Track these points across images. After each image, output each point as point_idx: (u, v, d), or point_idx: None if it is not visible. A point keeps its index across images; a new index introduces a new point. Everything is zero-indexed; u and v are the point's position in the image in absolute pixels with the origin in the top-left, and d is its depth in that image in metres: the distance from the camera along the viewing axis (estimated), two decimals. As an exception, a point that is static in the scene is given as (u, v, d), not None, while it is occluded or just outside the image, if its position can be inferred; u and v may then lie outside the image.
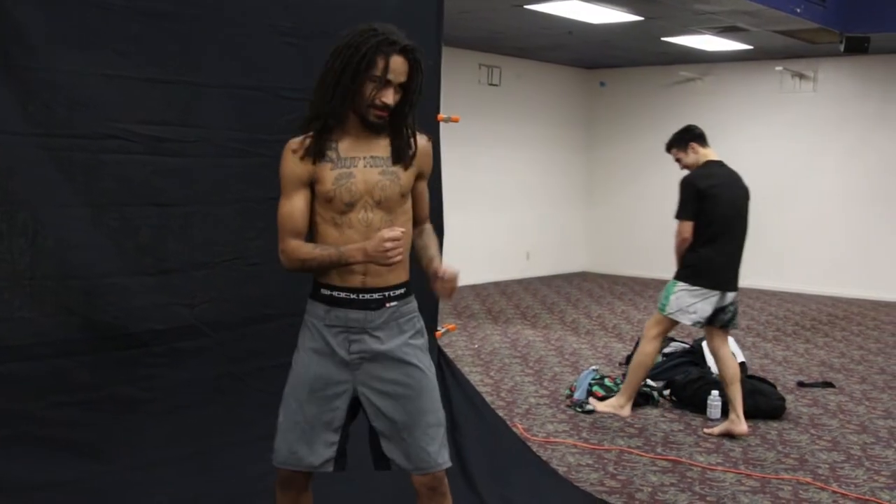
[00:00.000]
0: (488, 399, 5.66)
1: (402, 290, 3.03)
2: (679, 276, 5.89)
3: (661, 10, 9.48)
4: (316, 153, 2.92)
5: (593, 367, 6.91)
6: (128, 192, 3.42)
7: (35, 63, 3.15)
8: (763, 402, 6.31)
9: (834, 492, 4.91)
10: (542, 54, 13.34)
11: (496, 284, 13.06)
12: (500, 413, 5.45)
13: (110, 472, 3.38)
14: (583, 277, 14.16)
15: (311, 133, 2.94)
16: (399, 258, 2.84)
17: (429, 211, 3.23)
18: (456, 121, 4.55)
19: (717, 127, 13.74)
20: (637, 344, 6.60)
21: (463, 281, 12.85)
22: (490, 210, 12.89)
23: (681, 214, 5.83)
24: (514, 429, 5.45)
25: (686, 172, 5.97)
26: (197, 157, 3.62)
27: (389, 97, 2.87)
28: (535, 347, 8.65)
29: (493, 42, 12.06)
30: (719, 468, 5.24)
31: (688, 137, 6.02)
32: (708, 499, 4.77)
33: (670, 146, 6.11)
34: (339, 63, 2.83)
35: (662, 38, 11.37)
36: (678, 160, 6.06)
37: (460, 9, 9.32)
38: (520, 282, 13.44)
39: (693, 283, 5.82)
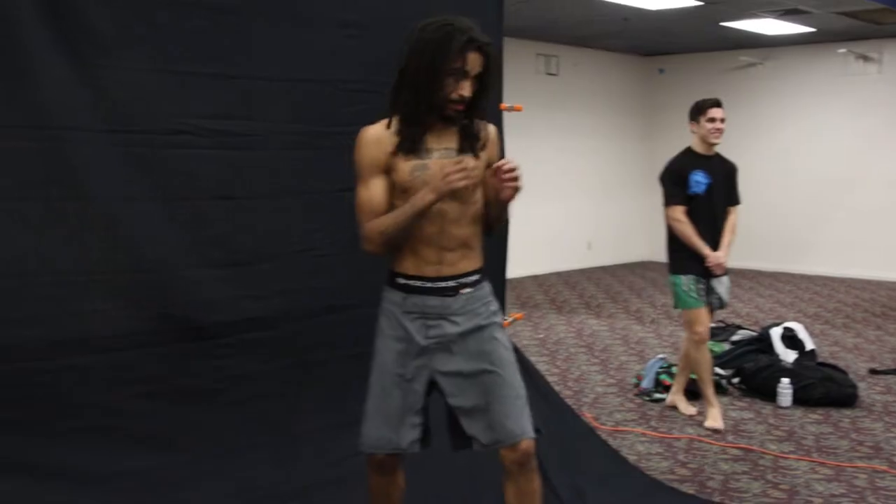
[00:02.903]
0: (555, 389, 5.62)
1: (477, 277, 3.08)
2: None
3: (721, -6, 9.38)
4: (393, 143, 2.95)
5: (660, 356, 6.83)
6: (196, 185, 3.46)
7: (105, 61, 3.19)
8: (835, 389, 6.21)
9: (911, 479, 4.82)
10: (600, 42, 13.25)
11: (558, 274, 13.01)
12: (568, 402, 5.40)
13: (181, 462, 3.42)
14: (644, 267, 14.03)
15: (387, 121, 2.97)
16: (464, 181, 2.84)
17: None
18: (519, 109, 4.51)
19: (779, 112, 13.66)
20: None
21: (525, 271, 12.75)
22: (550, 200, 12.82)
23: None
24: (583, 417, 5.42)
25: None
26: (262, 151, 3.65)
27: (467, 90, 2.90)
28: (600, 336, 8.60)
29: (550, 31, 12.00)
30: (792, 456, 5.16)
31: None
32: (781, 487, 4.70)
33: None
34: (424, 60, 2.86)
35: (721, 23, 11.21)
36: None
37: (517, -2, 9.30)
38: (582, 271, 13.37)
39: None
